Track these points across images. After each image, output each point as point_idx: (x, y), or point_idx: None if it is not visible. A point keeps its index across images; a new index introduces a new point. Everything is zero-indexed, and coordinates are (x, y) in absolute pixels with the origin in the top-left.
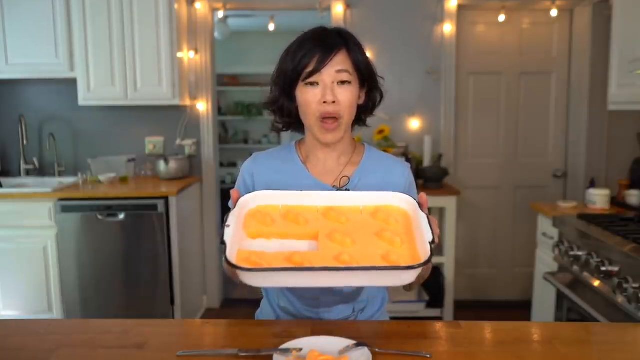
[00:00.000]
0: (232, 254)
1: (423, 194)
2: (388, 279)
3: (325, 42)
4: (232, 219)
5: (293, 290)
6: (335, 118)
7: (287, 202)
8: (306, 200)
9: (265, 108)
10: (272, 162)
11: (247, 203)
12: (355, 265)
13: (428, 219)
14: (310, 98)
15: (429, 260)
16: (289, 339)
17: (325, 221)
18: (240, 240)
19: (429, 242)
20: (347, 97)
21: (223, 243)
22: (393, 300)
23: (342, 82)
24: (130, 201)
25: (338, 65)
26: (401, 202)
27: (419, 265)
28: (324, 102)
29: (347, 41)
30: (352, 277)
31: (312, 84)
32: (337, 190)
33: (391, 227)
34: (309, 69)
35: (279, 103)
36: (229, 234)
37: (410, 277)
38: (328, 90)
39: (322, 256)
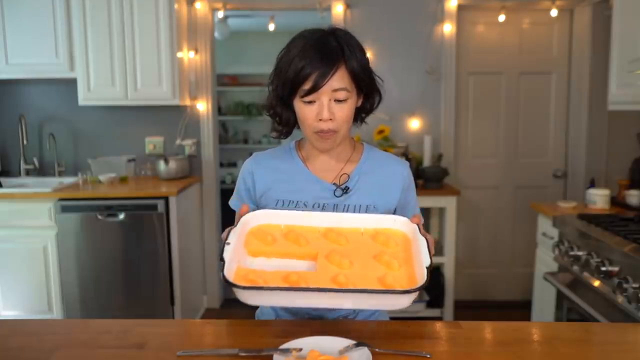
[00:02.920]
0: (230, 271)
1: (418, 215)
2: (383, 302)
3: (324, 56)
4: (233, 236)
5: None
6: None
7: (288, 222)
8: (307, 220)
9: (262, 111)
10: (272, 161)
11: (250, 221)
12: (351, 286)
13: (427, 242)
14: (307, 114)
15: (423, 286)
16: (289, 339)
17: (325, 242)
18: (241, 258)
19: (426, 267)
20: (344, 113)
21: (222, 260)
22: None
23: (339, 100)
24: (130, 201)
25: (336, 84)
26: (402, 225)
27: (414, 290)
28: (320, 120)
29: (344, 51)
30: (346, 298)
31: (309, 101)
32: (337, 187)
33: (390, 250)
34: (307, 86)
35: (277, 110)
36: (228, 251)
37: (406, 300)
38: (325, 108)
39: (319, 277)
